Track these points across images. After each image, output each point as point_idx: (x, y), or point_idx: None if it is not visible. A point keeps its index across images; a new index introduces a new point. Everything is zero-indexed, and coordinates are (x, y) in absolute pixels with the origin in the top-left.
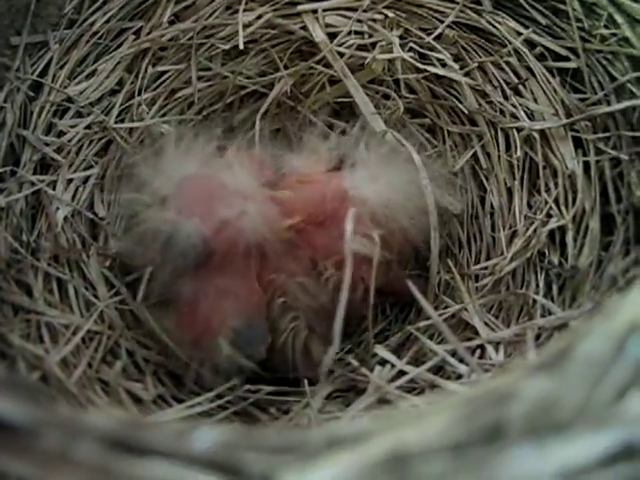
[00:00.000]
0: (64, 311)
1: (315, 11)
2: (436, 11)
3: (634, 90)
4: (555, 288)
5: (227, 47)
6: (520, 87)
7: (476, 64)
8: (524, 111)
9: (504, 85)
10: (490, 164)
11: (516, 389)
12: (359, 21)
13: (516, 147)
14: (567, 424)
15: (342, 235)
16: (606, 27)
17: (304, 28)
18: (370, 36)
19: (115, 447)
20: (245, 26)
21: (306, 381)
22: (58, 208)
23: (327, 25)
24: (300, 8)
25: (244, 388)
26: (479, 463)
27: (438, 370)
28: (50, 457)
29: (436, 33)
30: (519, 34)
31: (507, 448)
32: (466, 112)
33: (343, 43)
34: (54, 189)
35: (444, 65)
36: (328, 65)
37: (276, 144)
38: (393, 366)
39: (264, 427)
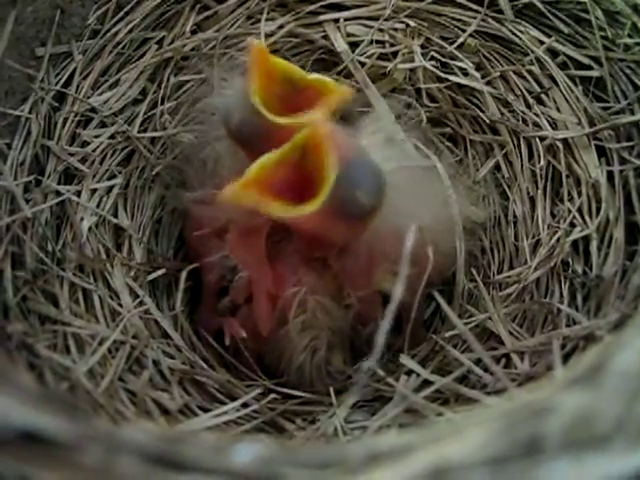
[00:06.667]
0: (90, 321)
1: (337, 20)
2: (458, 20)
3: None
4: (579, 297)
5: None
6: (542, 96)
7: (498, 73)
8: (547, 120)
9: (526, 94)
10: (513, 173)
11: (553, 403)
12: (380, 30)
13: (539, 156)
14: (605, 438)
15: (370, 268)
16: (630, 36)
17: (326, 37)
18: (391, 45)
19: (156, 462)
20: (267, 35)
21: (332, 390)
22: (82, 218)
23: (348, 34)
24: (322, 18)
25: (270, 397)
26: (519, 477)
27: (462, 379)
28: (91, 472)
29: (458, 42)
30: (541, 43)
31: (546, 462)
32: (488, 121)
33: (364, 52)
34: (78, 200)
35: (466, 74)
36: (350, 74)
37: None
38: (418, 375)
39: (291, 437)
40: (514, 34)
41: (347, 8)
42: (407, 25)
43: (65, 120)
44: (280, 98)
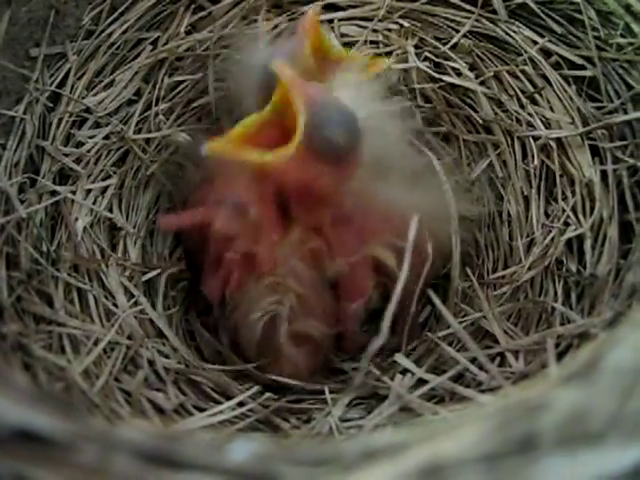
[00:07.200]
0: (85, 321)
1: (331, 21)
2: (451, 20)
3: None
4: (574, 296)
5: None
6: (536, 96)
7: (492, 73)
8: (540, 120)
9: (520, 94)
10: (507, 173)
11: (548, 399)
12: (375, 31)
13: (533, 156)
14: (599, 434)
15: (363, 235)
16: (622, 36)
17: None
18: (385, 46)
19: (151, 460)
20: None
21: (327, 389)
22: (77, 218)
23: (343, 35)
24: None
25: (265, 396)
26: (513, 473)
27: (457, 378)
28: (87, 471)
29: (452, 42)
30: (535, 43)
31: (540, 459)
32: (482, 121)
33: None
34: (73, 200)
35: (459, 74)
36: None
37: None
38: (413, 374)
39: (287, 436)
40: (508, 34)
41: (341, 9)
42: (401, 26)
43: (60, 120)
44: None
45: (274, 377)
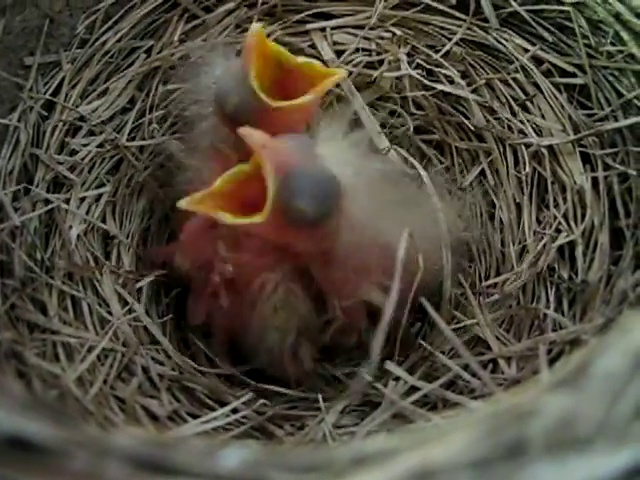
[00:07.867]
0: (79, 328)
1: (323, 29)
2: (443, 29)
3: None
4: (565, 302)
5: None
6: (527, 103)
7: (483, 81)
8: (532, 127)
9: (512, 101)
10: (499, 180)
11: (536, 406)
12: (367, 39)
13: (524, 163)
14: (587, 440)
15: (357, 279)
16: (612, 44)
17: (313, 46)
18: (378, 53)
19: (143, 467)
20: None
21: (320, 396)
22: (71, 226)
23: (335, 43)
24: (309, 26)
25: (259, 403)
26: (503, 479)
27: (450, 385)
28: (80, 477)
29: (444, 50)
30: (526, 51)
31: (529, 464)
32: (474, 128)
33: (351, 61)
34: (67, 208)
35: (452, 82)
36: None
37: None
38: (406, 381)
39: (280, 443)
40: (499, 42)
41: (334, 17)
42: (393, 34)
43: (54, 129)
44: (272, 81)
45: (266, 386)
